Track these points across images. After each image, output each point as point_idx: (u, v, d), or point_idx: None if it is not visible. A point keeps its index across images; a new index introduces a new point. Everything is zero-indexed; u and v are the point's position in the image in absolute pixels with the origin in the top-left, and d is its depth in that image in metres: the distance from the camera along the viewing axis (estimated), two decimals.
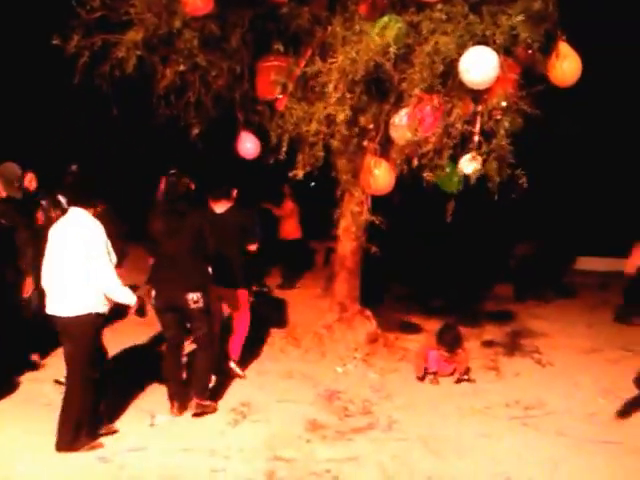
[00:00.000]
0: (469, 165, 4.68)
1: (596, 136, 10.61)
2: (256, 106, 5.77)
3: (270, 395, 5.26)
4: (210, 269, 5.03)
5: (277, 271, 10.20)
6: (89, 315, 4.10)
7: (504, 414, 5.04)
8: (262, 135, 5.72)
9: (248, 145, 5.87)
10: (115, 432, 4.42)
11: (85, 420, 4.17)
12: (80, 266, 4.06)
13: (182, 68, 5.31)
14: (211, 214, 5.53)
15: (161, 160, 8.28)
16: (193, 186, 5.04)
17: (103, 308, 4.18)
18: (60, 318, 4.11)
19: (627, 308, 8.01)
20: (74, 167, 7.89)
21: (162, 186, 6.65)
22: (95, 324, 4.17)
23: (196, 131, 5.69)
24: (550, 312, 8.66)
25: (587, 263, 11.43)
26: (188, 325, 4.97)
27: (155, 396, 5.03)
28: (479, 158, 4.64)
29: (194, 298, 4.70)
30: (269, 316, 7.29)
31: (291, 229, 9.96)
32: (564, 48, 4.69)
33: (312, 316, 7.24)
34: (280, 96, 5.29)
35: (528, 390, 5.55)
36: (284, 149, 5.18)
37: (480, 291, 9.45)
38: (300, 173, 5.13)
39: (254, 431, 4.58)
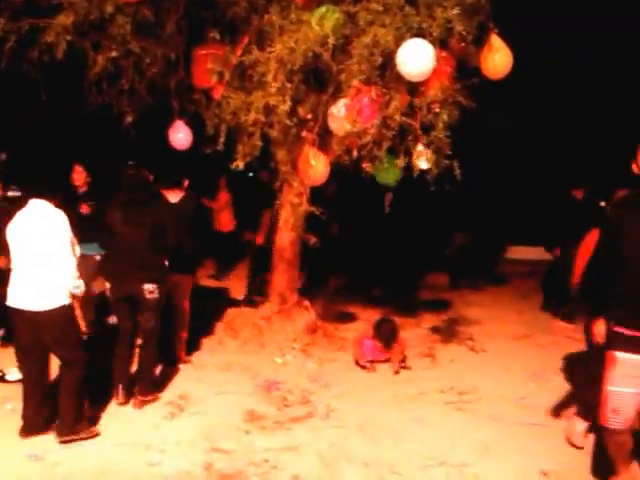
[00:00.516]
0: (421, 160, 4.75)
1: (528, 128, 10.93)
2: (192, 95, 5.68)
3: (208, 387, 5.21)
4: (167, 262, 5.03)
5: (211, 263, 10.10)
6: (63, 307, 4.08)
7: (439, 399, 5.17)
8: (199, 125, 5.64)
9: (180, 135, 5.77)
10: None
11: (85, 403, 4.27)
12: (50, 259, 4.01)
13: (115, 54, 5.16)
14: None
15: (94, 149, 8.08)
16: (151, 177, 5.05)
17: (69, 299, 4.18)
18: (36, 313, 4.03)
19: (548, 300, 8.34)
20: (3, 156, 7.59)
21: (74, 175, 6.52)
22: (69, 313, 4.18)
23: (129, 119, 5.56)
24: (483, 300, 8.92)
25: (518, 252, 11.80)
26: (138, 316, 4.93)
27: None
28: (427, 151, 4.71)
29: (150, 289, 4.71)
30: (206, 307, 7.22)
31: (226, 221, 9.89)
32: (496, 41, 4.79)
33: (251, 307, 7.22)
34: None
35: (462, 376, 5.70)
36: (222, 139, 5.13)
37: (417, 280, 9.63)
38: (241, 164, 5.09)
39: (192, 424, 4.54)
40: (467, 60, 5.00)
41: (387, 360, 5.94)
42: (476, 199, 9.73)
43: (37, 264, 4.02)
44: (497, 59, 4.75)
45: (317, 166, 5.05)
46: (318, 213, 5.26)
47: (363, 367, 5.87)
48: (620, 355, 3.24)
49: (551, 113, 10.73)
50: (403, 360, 5.98)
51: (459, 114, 5.01)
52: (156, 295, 4.76)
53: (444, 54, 4.77)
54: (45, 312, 4.03)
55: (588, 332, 4.22)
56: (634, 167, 3.17)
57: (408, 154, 4.94)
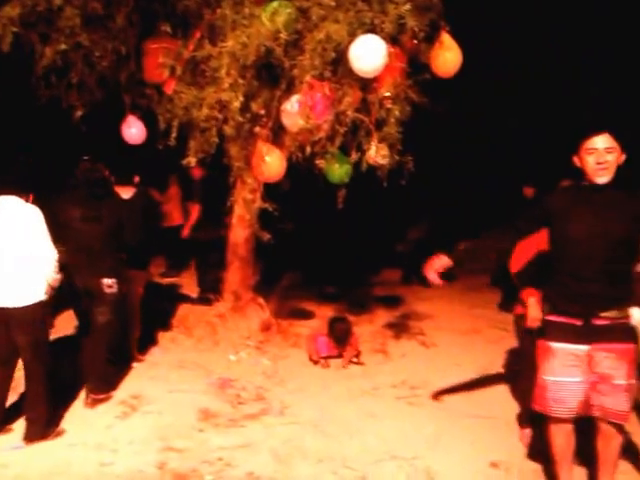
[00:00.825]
0: (377, 154, 4.79)
1: (474, 123, 11.11)
2: (144, 89, 5.59)
3: (162, 386, 5.15)
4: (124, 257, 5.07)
5: (163, 260, 9.95)
6: (40, 303, 4.05)
7: (391, 394, 5.23)
8: (152, 120, 5.57)
9: (133, 130, 5.69)
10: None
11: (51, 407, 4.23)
12: (27, 255, 3.99)
13: (63, 47, 5.03)
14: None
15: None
16: (107, 172, 5.00)
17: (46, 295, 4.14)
18: (12, 309, 3.99)
19: (507, 297, 8.47)
20: None
21: None
22: (44, 311, 4.15)
23: (79, 114, 5.44)
24: (435, 295, 8.99)
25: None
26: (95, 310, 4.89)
27: None
28: (381, 145, 4.75)
29: (109, 283, 4.74)
30: (159, 305, 7.13)
31: (176, 215, 9.76)
32: (447, 39, 4.85)
33: (204, 305, 7.17)
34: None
35: (413, 370, 5.78)
36: (174, 135, 5.06)
37: (370, 276, 9.71)
38: (193, 160, 5.05)
39: (145, 423, 4.48)
40: (419, 57, 5.06)
41: (341, 356, 5.98)
42: (428, 195, 9.85)
43: (13, 261, 3.97)
44: (447, 57, 4.81)
45: (271, 162, 5.04)
46: (272, 209, 5.25)
47: (317, 363, 5.90)
48: (556, 345, 3.27)
49: (501, 110, 10.93)
50: (357, 356, 6.03)
51: (412, 110, 5.06)
52: (114, 290, 4.79)
53: (396, 50, 4.82)
54: (22, 308, 3.98)
55: (518, 321, 4.32)
56: (575, 160, 3.25)
57: (360, 150, 4.98)
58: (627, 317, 3.22)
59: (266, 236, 5.52)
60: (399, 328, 7.19)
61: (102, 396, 4.78)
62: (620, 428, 3.29)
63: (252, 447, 4.18)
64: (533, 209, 3.48)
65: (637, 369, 3.29)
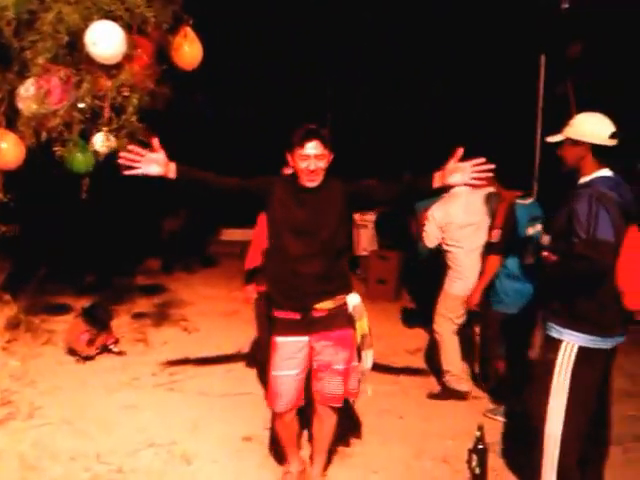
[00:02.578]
0: (100, 142, 4.63)
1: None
2: None
3: None
4: None
5: None
6: None
7: (151, 383, 5.23)
8: None
9: None
10: None
11: None
12: None
13: None
14: None
15: None
16: None
17: None
18: None
19: None
20: None
21: None
22: None
23: None
24: (196, 281, 9.15)
25: (229, 234, 12.23)
26: None
27: None
28: (110, 135, 4.61)
29: None
30: None
31: None
32: (188, 32, 4.87)
33: None
34: None
35: (174, 357, 5.80)
36: None
37: (130, 266, 9.47)
38: None
39: None
40: (165, 48, 5.02)
41: (100, 352, 5.81)
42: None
43: None
44: (189, 50, 4.84)
45: (6, 149, 4.66)
46: (7, 200, 4.85)
47: (79, 360, 5.68)
48: (279, 339, 3.40)
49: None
50: (115, 343, 5.91)
51: (164, 100, 5.02)
52: None
53: (140, 40, 4.73)
54: None
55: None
56: (289, 157, 3.31)
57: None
58: (344, 305, 3.44)
59: (2, 228, 5.09)
60: (161, 316, 7.17)
61: None
62: (335, 410, 3.51)
63: None
64: (264, 178, 3.46)
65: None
